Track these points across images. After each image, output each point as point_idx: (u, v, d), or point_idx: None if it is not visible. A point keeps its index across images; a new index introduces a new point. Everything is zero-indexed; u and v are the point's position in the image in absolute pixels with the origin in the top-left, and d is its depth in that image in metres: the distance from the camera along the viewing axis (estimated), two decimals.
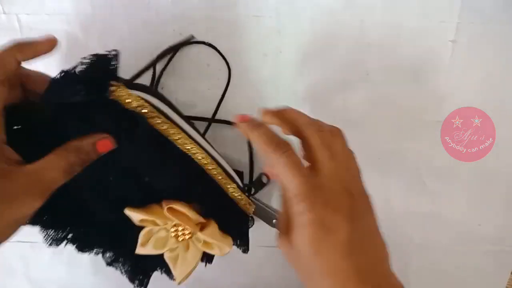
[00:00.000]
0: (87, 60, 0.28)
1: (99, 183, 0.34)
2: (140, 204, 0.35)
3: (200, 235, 0.35)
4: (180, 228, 0.36)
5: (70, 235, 0.35)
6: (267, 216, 0.43)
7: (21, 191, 0.26)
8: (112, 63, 0.29)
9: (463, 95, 0.42)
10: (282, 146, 0.28)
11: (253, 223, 0.41)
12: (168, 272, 0.39)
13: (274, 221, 0.42)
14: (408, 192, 0.46)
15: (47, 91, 0.28)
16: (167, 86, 0.41)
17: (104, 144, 0.29)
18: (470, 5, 0.40)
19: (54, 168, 0.28)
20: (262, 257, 0.40)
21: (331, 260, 0.26)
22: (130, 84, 0.32)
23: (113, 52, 0.29)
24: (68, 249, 0.36)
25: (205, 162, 0.33)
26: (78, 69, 0.28)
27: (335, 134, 0.30)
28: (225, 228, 0.37)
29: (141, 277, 0.38)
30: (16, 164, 0.27)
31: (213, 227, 0.36)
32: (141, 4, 0.38)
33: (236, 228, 0.38)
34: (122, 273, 0.38)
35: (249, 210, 0.39)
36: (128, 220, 0.35)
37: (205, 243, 0.36)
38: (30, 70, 0.31)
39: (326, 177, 0.27)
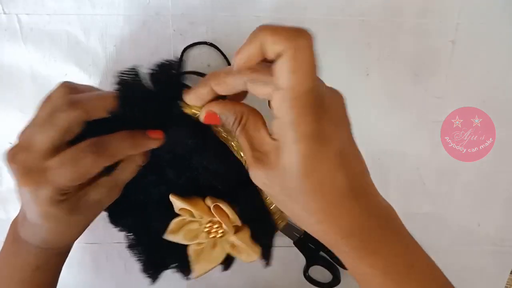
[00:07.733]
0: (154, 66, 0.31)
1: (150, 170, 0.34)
2: (183, 194, 0.35)
3: (232, 237, 0.36)
4: (215, 226, 0.36)
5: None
6: (291, 232, 0.44)
7: None
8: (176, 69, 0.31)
9: (463, 95, 0.42)
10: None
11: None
12: (183, 270, 0.39)
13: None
14: (408, 192, 0.46)
15: (122, 89, 0.30)
16: None
17: (155, 132, 0.31)
18: (470, 5, 0.40)
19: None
20: None
21: (325, 177, 0.23)
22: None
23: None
24: None
25: None
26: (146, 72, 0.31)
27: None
28: (255, 237, 0.37)
29: (153, 271, 0.38)
30: None
31: (245, 233, 0.36)
32: (141, 4, 0.38)
33: (264, 240, 0.38)
34: (137, 261, 0.38)
35: (279, 225, 0.39)
36: (164, 208, 0.36)
37: (233, 246, 0.37)
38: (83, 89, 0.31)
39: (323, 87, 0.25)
